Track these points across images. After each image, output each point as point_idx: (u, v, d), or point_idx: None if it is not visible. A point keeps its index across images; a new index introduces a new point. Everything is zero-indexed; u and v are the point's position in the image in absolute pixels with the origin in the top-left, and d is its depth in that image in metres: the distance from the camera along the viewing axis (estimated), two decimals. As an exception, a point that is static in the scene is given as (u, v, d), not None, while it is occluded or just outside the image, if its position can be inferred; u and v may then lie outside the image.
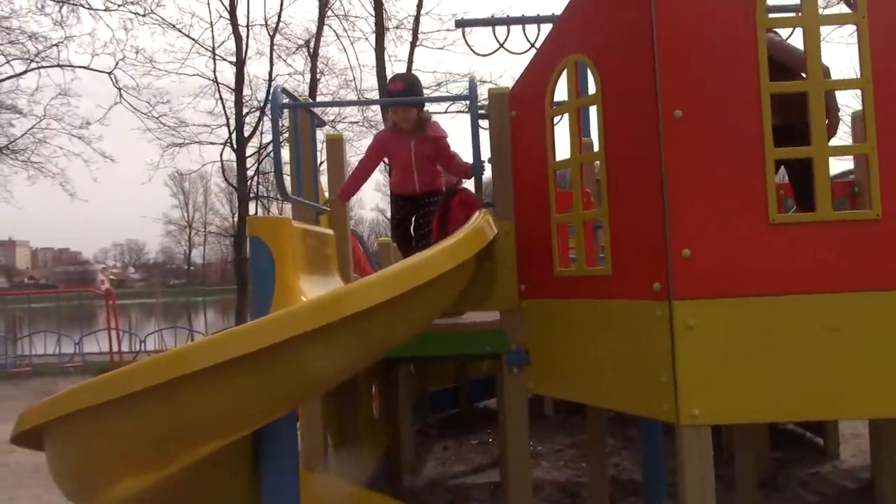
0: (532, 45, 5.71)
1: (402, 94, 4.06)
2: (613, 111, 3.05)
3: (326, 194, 4.48)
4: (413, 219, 4.42)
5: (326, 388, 2.49)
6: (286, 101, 3.34)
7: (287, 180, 3.71)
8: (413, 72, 18.60)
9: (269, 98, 3.27)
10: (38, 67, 16.92)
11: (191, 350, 2.07)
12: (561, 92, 3.40)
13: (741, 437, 5.16)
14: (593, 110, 3.24)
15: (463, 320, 4.03)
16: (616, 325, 3.07)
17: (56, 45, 17.01)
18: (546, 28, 5.84)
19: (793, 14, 3.74)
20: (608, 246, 3.10)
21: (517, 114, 3.60)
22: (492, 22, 5.89)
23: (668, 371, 2.81)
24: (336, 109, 18.13)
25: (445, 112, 18.58)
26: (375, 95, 18.81)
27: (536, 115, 3.45)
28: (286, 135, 4.26)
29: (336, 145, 4.53)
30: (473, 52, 6.05)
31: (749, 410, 2.81)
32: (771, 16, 3.06)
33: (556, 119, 3.54)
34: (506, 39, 5.79)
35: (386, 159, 4.49)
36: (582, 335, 3.27)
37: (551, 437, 7.90)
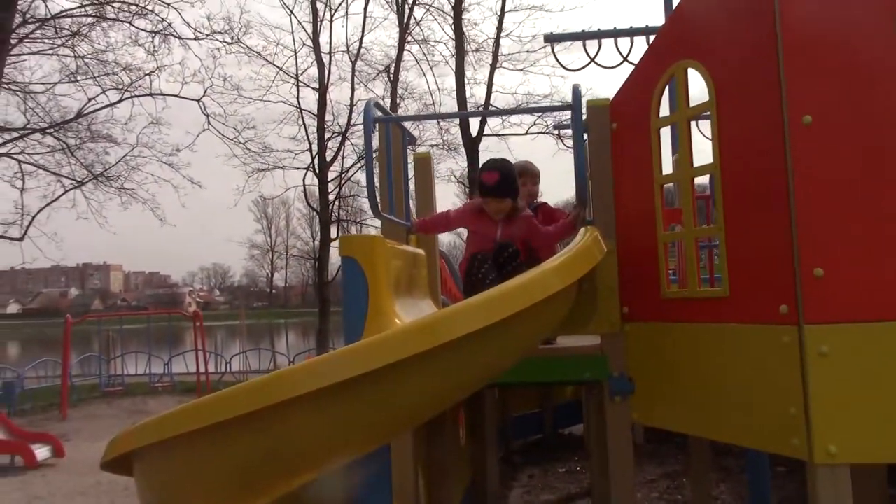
0: (625, 59, 5.50)
1: (498, 186, 3.64)
2: (730, 119, 2.81)
3: (415, 215, 4.36)
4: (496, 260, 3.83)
5: (427, 418, 2.33)
6: (379, 114, 3.23)
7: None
8: (493, 93, 18.58)
9: (363, 113, 3.14)
10: (132, 97, 17.60)
11: (285, 376, 1.95)
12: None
13: (855, 470, 4.75)
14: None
15: (556, 345, 3.82)
16: (734, 351, 2.81)
17: (148, 74, 17.70)
18: (639, 41, 5.60)
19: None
20: (724, 265, 2.85)
21: (618, 126, 3.39)
22: (582, 36, 5.68)
23: (798, 403, 2.54)
24: (416, 132, 18.20)
25: (526, 133, 18.47)
26: (455, 119, 18.83)
27: (640, 126, 3.24)
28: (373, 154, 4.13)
29: (424, 164, 4.40)
30: (563, 67, 5.85)
31: (894, 448, 2.51)
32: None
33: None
34: (597, 54, 5.58)
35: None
36: (694, 361, 3.02)
37: (643, 467, 7.56)
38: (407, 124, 4.01)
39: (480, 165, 3.81)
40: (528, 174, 4.64)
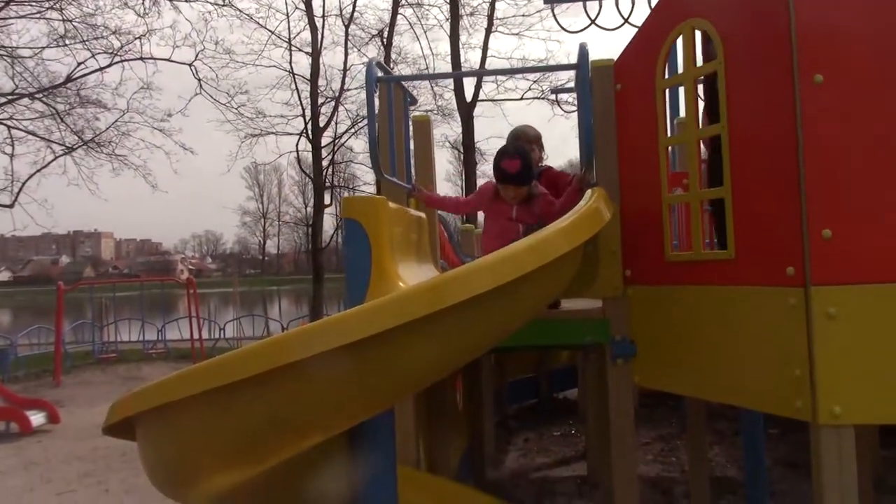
0: (626, 21, 5.41)
1: (520, 174, 3.58)
2: (738, 78, 2.76)
3: (414, 178, 4.31)
4: None
5: (434, 379, 2.32)
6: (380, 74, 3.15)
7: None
8: (488, 57, 18.37)
9: (365, 72, 3.06)
10: (122, 61, 17.34)
11: (290, 339, 1.92)
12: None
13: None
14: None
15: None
16: (739, 313, 2.80)
17: (139, 38, 17.41)
18: (641, 3, 5.51)
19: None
20: (731, 228, 2.82)
21: (623, 87, 3.33)
22: (584, -4, 5.59)
23: (803, 365, 2.53)
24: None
25: (521, 98, 18.31)
26: (449, 84, 18.64)
27: (645, 87, 3.18)
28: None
29: (423, 127, 4.34)
30: (564, 29, 5.76)
31: (898, 409, 2.51)
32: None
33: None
34: (597, 15, 5.49)
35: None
36: (697, 324, 3.01)
37: (637, 430, 7.62)
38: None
39: (496, 152, 3.72)
40: (526, 139, 4.42)
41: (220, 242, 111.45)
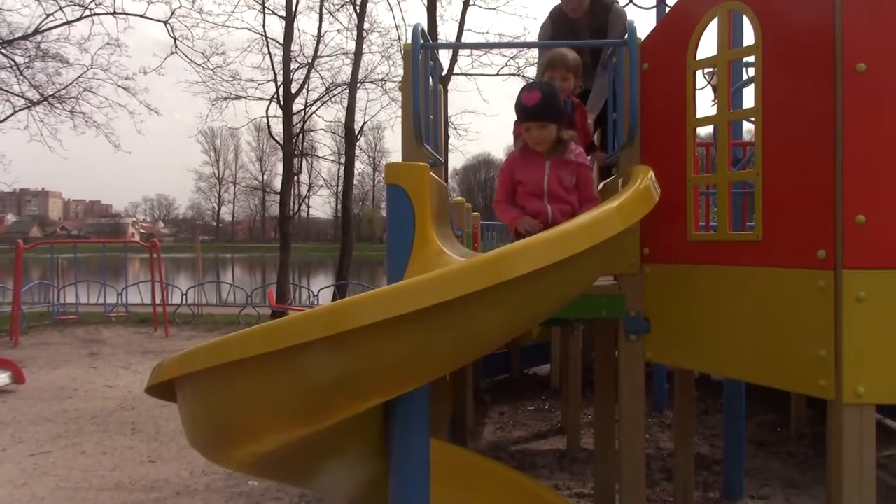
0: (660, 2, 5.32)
1: (539, 107, 3.14)
2: (776, 62, 2.81)
3: None
4: None
5: (495, 347, 2.34)
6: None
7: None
8: (465, 31, 18.23)
9: (411, 36, 3.00)
10: (93, 14, 16.76)
11: (362, 302, 1.91)
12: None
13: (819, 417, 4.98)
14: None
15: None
16: (763, 294, 2.87)
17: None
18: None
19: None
20: (759, 210, 2.88)
21: (650, 67, 3.36)
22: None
23: (828, 346, 2.62)
24: (386, 67, 17.82)
25: (497, 74, 18.26)
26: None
27: (675, 68, 3.22)
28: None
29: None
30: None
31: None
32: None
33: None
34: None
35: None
36: (717, 303, 3.08)
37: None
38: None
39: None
40: (558, 66, 3.78)
41: (172, 207, 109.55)
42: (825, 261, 2.63)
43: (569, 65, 3.77)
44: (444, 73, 18.01)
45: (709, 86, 7.87)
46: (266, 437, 2.15)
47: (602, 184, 3.72)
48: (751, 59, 3.18)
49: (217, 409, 2.17)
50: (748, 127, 6.31)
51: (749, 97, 5.20)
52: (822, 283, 2.63)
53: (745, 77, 5.53)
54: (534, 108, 3.14)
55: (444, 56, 17.70)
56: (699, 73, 3.38)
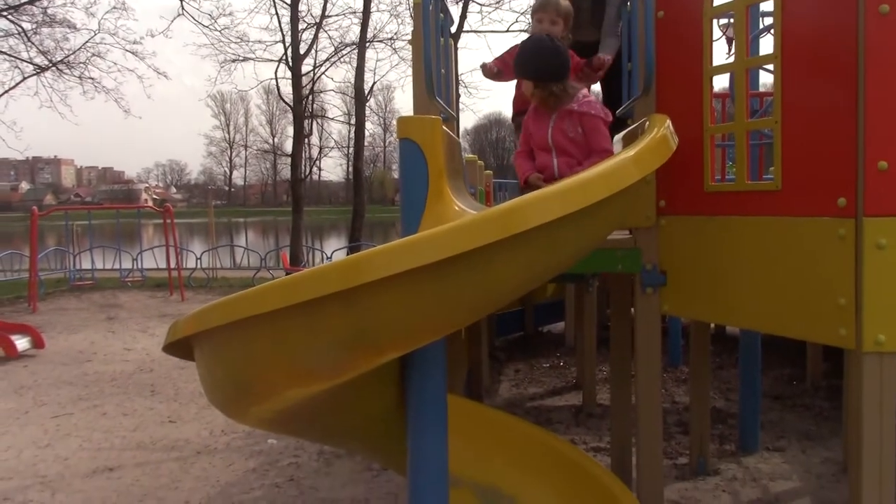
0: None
1: (530, 65, 3.13)
2: (796, 7, 2.73)
3: None
4: None
5: (504, 303, 2.32)
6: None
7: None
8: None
9: None
10: (97, -24, 16.63)
11: (378, 254, 1.89)
12: None
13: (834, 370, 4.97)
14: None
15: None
16: (782, 243, 2.83)
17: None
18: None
19: None
20: (778, 159, 2.83)
21: (665, 14, 3.28)
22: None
23: (848, 294, 2.58)
24: (395, 26, 17.55)
25: (507, 31, 18.01)
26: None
27: (691, 15, 3.13)
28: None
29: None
30: None
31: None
32: None
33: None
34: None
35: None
36: (735, 254, 3.04)
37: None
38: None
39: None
40: (548, 8, 3.69)
41: (184, 172, 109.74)
42: (846, 208, 2.58)
43: (559, 9, 3.66)
44: (454, 30, 17.79)
45: (723, 38, 7.74)
46: (284, 392, 2.16)
47: (621, 134, 3.66)
48: (768, 6, 3.11)
49: (234, 366, 2.17)
50: (762, 81, 6.22)
51: (765, 47, 5.11)
52: (843, 232, 2.59)
53: (761, 26, 5.43)
54: (523, 68, 3.14)
55: (454, 14, 17.44)
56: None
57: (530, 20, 4.02)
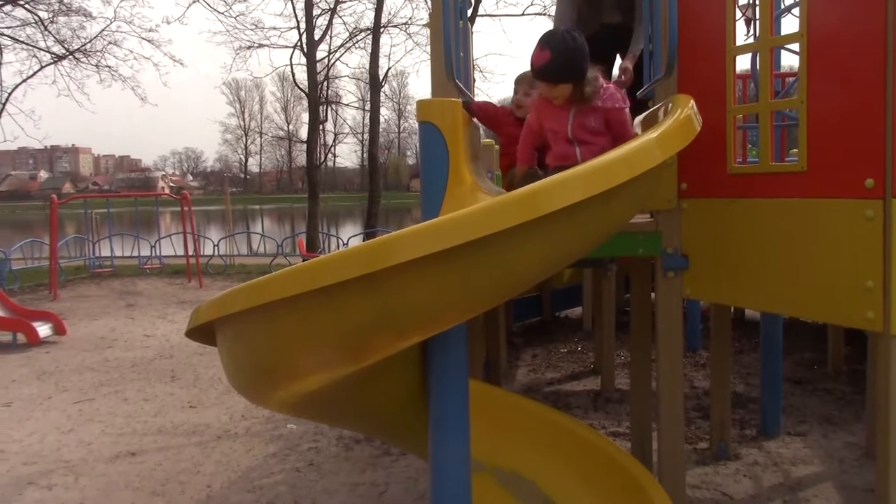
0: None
1: (548, 68, 2.93)
2: (823, -17, 2.68)
3: None
4: None
5: (526, 287, 2.31)
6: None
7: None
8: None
9: None
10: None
11: (399, 239, 1.88)
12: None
13: (856, 354, 4.92)
14: None
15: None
16: (808, 226, 2.79)
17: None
18: None
19: None
20: (803, 139, 2.79)
21: (687, -7, 3.23)
22: None
23: (876, 276, 2.55)
24: (409, 10, 17.49)
25: (522, 14, 17.87)
26: None
27: (714, -7, 3.09)
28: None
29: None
30: None
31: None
32: None
33: None
34: None
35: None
36: (759, 237, 3.00)
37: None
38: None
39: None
40: (521, 82, 3.84)
41: (200, 160, 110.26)
42: (873, 189, 2.54)
43: (533, 83, 3.46)
44: (470, 13, 17.69)
45: (742, 19, 7.65)
46: (308, 377, 2.16)
47: (640, 116, 3.62)
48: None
49: (258, 351, 2.17)
50: (785, 63, 6.13)
51: (787, 27, 5.03)
52: (871, 213, 2.55)
53: (782, 6, 5.34)
54: (541, 70, 2.96)
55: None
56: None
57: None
